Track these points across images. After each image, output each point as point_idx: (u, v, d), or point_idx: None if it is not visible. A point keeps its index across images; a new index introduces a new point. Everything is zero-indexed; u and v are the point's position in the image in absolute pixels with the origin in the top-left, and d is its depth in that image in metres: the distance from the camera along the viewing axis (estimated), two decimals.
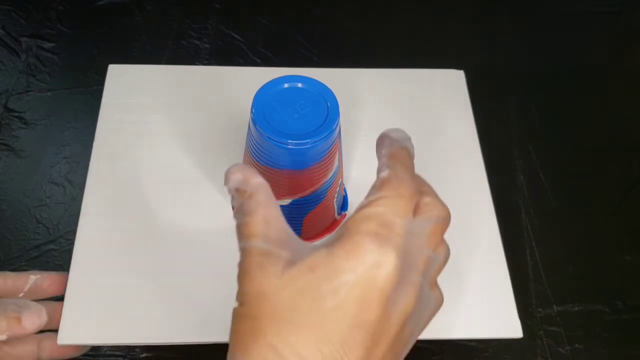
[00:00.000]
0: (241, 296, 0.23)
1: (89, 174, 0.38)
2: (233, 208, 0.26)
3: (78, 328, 0.32)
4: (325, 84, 0.31)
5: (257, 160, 0.31)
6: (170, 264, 0.34)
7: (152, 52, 0.57)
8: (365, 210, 0.23)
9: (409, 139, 0.27)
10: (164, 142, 0.40)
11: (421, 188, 0.27)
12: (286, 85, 0.30)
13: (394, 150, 0.26)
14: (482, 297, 0.34)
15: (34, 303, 0.31)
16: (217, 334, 0.32)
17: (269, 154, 0.30)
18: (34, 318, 0.30)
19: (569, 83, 0.58)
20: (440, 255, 0.26)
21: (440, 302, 0.27)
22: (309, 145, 0.29)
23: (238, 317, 0.23)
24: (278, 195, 0.33)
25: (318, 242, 0.26)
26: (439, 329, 0.33)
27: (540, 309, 0.44)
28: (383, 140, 0.27)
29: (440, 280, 0.35)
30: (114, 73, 0.42)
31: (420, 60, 0.53)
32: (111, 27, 0.59)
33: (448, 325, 0.33)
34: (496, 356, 0.41)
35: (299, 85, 0.31)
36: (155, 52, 0.57)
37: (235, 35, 0.59)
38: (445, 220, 0.26)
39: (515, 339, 0.33)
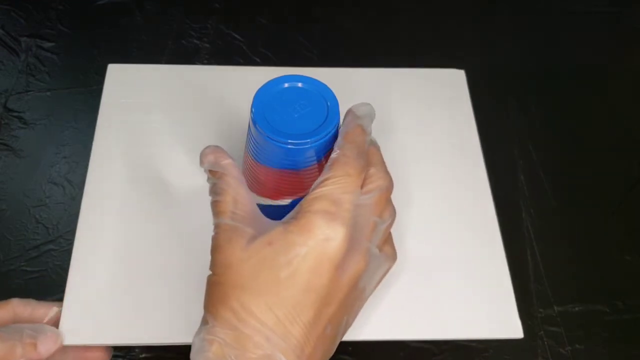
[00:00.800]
0: (212, 266, 0.27)
1: (88, 174, 0.37)
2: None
3: (77, 328, 0.32)
4: (325, 83, 0.31)
5: (257, 160, 0.31)
6: (170, 264, 0.34)
7: (152, 52, 0.57)
8: (317, 191, 0.26)
9: (371, 115, 0.30)
10: (163, 141, 0.39)
11: (370, 159, 0.29)
12: (286, 85, 0.30)
13: (348, 129, 0.29)
14: (482, 297, 0.34)
15: (50, 327, 0.31)
16: None
17: (269, 154, 0.30)
18: (49, 343, 0.30)
19: (569, 83, 0.58)
20: (387, 218, 0.29)
21: (392, 258, 0.30)
22: (308, 145, 0.29)
23: (209, 283, 0.27)
24: (278, 195, 0.32)
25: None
26: (439, 329, 0.33)
27: (540, 309, 0.44)
28: (345, 117, 0.30)
29: (440, 280, 0.35)
30: (114, 73, 0.42)
31: (420, 60, 0.53)
32: (111, 27, 0.59)
33: (448, 325, 0.33)
34: (496, 357, 0.41)
35: (299, 85, 0.30)
36: (155, 52, 0.57)
37: (235, 35, 0.59)
38: (388, 188, 0.29)
39: (516, 339, 0.33)
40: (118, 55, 0.56)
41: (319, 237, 0.25)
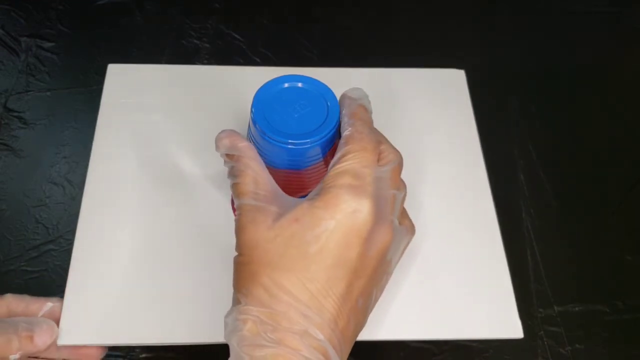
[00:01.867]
0: (238, 247, 0.27)
1: (88, 174, 0.37)
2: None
3: (78, 328, 0.32)
4: (325, 84, 0.31)
5: None
6: (170, 263, 0.34)
7: (152, 52, 0.57)
8: (338, 167, 0.27)
9: (367, 96, 0.31)
10: (163, 141, 0.39)
11: (377, 137, 0.29)
12: (286, 85, 0.30)
13: (353, 109, 0.29)
14: (482, 297, 0.34)
15: (45, 319, 0.31)
16: (218, 335, 0.32)
17: (269, 154, 0.30)
18: (46, 336, 0.30)
19: (569, 83, 0.58)
20: (402, 191, 0.29)
21: (411, 231, 0.31)
22: (308, 145, 0.29)
23: (237, 264, 0.27)
24: None
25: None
26: (439, 329, 0.33)
27: (540, 309, 0.44)
28: (343, 101, 0.30)
29: (440, 280, 0.35)
30: (114, 73, 0.42)
31: (420, 60, 0.53)
32: (111, 27, 0.59)
33: (448, 325, 0.33)
34: (496, 357, 0.41)
35: (299, 85, 0.30)
36: (155, 52, 0.57)
37: (235, 35, 0.59)
38: (400, 163, 0.29)
39: (516, 339, 0.33)
40: (118, 55, 0.56)
41: (346, 210, 0.25)
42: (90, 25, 0.58)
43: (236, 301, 0.26)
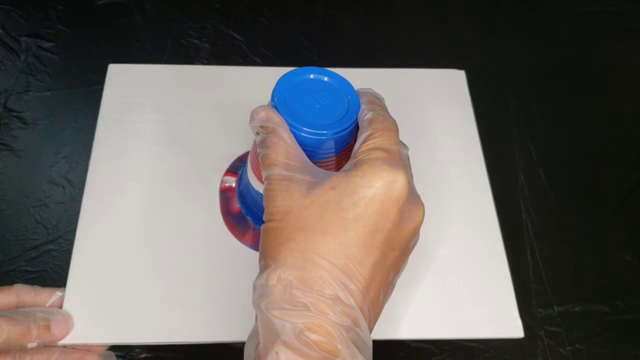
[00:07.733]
0: (269, 215, 0.26)
1: (88, 174, 0.38)
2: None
3: (78, 328, 0.32)
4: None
5: None
6: (170, 263, 0.34)
7: (152, 52, 0.57)
8: (369, 143, 0.27)
9: (379, 94, 0.31)
10: (163, 141, 0.39)
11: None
12: (311, 76, 0.31)
13: (369, 98, 0.30)
14: (483, 297, 0.34)
15: (60, 310, 0.32)
16: (217, 334, 0.32)
17: None
18: (62, 326, 0.31)
19: (569, 83, 0.58)
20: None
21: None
22: (325, 137, 0.29)
23: (267, 230, 0.26)
24: None
25: None
26: (439, 328, 0.33)
27: (540, 309, 0.44)
28: (358, 95, 0.31)
29: (441, 280, 0.35)
30: (114, 72, 0.42)
31: (421, 60, 0.53)
32: (111, 27, 0.58)
33: (449, 325, 0.33)
34: (497, 356, 0.41)
35: (325, 78, 0.31)
36: (155, 52, 0.57)
37: (235, 35, 0.59)
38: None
39: (516, 339, 0.33)
40: (118, 56, 0.56)
41: (386, 179, 0.25)
42: (90, 25, 0.58)
43: (265, 266, 0.25)
